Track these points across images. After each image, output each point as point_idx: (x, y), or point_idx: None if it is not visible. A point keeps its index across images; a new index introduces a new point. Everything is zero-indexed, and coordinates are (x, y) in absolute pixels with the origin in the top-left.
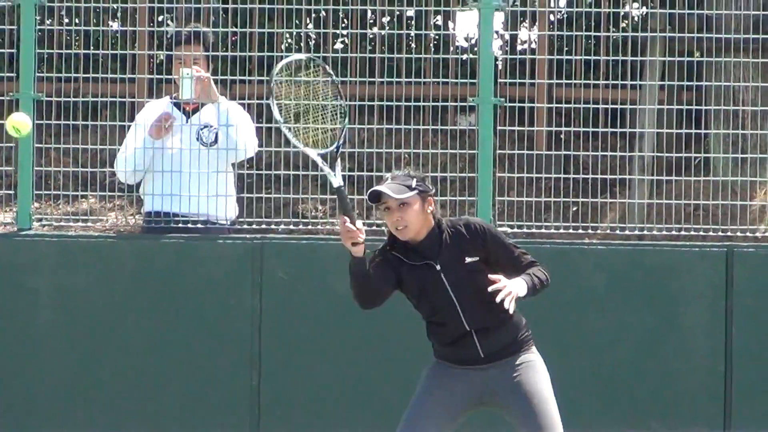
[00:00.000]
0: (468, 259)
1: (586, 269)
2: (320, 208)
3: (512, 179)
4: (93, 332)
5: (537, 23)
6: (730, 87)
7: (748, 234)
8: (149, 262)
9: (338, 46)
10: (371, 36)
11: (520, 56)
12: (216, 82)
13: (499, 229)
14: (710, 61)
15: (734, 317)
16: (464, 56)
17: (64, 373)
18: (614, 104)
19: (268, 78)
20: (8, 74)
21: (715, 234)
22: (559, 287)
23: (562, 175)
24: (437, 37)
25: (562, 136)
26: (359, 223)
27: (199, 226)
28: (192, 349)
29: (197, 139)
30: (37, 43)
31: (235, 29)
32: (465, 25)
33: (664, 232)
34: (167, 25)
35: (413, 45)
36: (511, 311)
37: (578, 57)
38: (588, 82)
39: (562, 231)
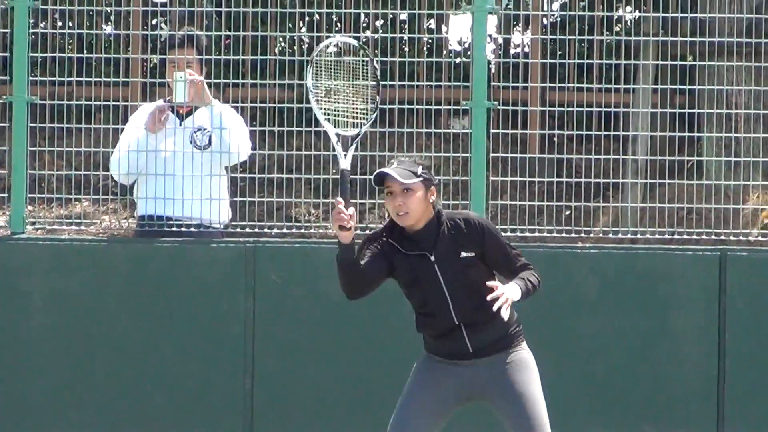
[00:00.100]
0: (463, 254)
1: (579, 273)
2: (313, 211)
3: (505, 182)
4: (86, 335)
5: (530, 27)
6: (723, 90)
7: (741, 238)
8: (143, 266)
9: (332, 50)
10: (364, 39)
11: (513, 60)
12: (209, 85)
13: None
14: (703, 64)
15: (727, 321)
16: (457, 60)
17: (58, 377)
18: (607, 108)
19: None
20: (1, 77)
21: (708, 238)
22: (552, 291)
23: (555, 179)
24: (430, 40)
25: (555, 139)
26: (352, 209)
27: (192, 229)
28: (185, 353)
29: (191, 142)
30: (31, 46)
31: (228, 33)
32: (458, 29)
33: (657, 236)
34: (161, 28)
35: (406, 48)
36: (506, 318)
37: (571, 60)
38: (581, 85)
39: (555, 234)
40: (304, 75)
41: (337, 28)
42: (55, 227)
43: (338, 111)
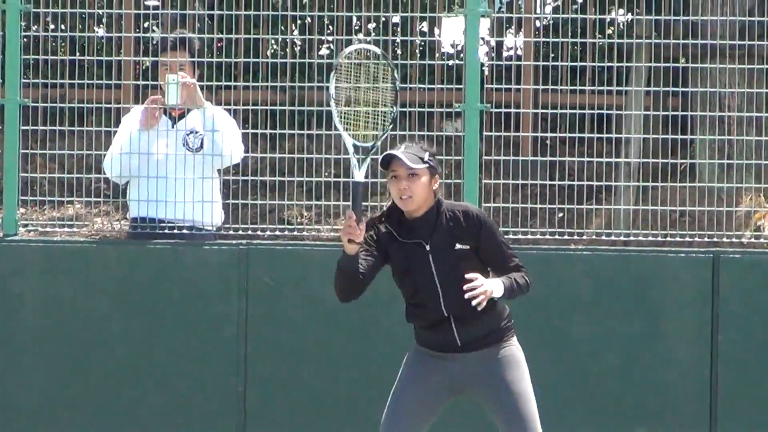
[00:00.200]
0: (458, 246)
1: (572, 275)
2: (306, 214)
3: (498, 185)
4: (79, 338)
5: (523, 29)
6: (715, 93)
7: (734, 240)
8: (135, 268)
9: (324, 52)
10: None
11: (506, 62)
12: (202, 87)
13: None
14: (696, 67)
15: (720, 323)
16: (450, 62)
17: (50, 379)
18: (600, 110)
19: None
20: None
21: (701, 240)
22: (545, 293)
23: (547, 182)
24: (423, 43)
25: (548, 142)
26: (363, 224)
27: (184, 231)
28: (178, 355)
29: (183, 144)
30: (23, 49)
31: (220, 35)
32: (451, 32)
33: (650, 238)
34: (153, 31)
35: (399, 51)
36: (479, 309)
37: (564, 63)
38: (574, 88)
39: (548, 237)
40: (307, 77)
41: (329, 31)
42: (48, 229)
43: (357, 116)
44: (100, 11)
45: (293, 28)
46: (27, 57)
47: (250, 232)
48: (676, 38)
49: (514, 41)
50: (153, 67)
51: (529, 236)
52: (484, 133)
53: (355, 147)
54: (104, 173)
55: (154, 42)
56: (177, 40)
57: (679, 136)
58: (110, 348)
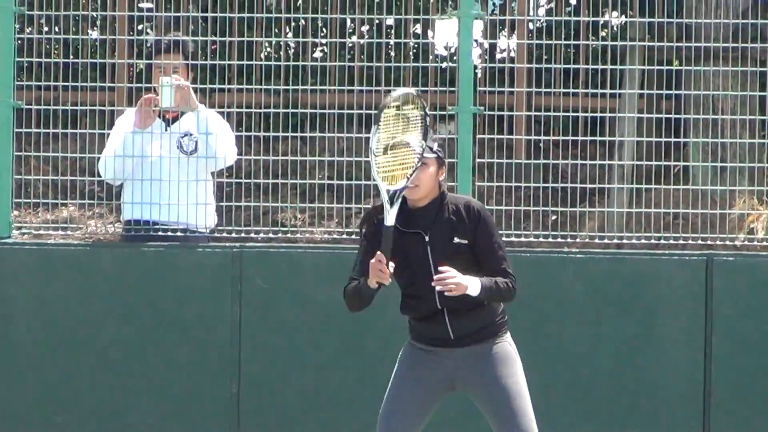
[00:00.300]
0: (456, 239)
1: (565, 278)
2: (299, 216)
3: (491, 188)
4: (72, 340)
5: (516, 32)
6: (709, 96)
7: (727, 243)
8: (129, 270)
9: (317, 54)
10: (350, 45)
11: (499, 65)
12: (195, 90)
13: None
14: (689, 69)
15: (713, 326)
16: (444, 65)
17: (43, 382)
18: (594, 113)
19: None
20: None
21: (694, 243)
22: (539, 296)
23: (541, 184)
24: (417, 45)
25: (542, 144)
26: (392, 266)
27: (178, 234)
28: (171, 357)
29: (177, 147)
30: (17, 51)
31: (214, 38)
32: (444, 34)
33: (644, 241)
34: (147, 33)
35: (393, 54)
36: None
37: (558, 66)
38: (567, 90)
39: (541, 240)
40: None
41: (322, 34)
42: (42, 232)
43: (394, 164)
44: (94, 14)
45: (287, 30)
46: (20, 59)
47: (243, 235)
48: (670, 41)
49: (507, 44)
50: (147, 69)
51: (523, 239)
52: (478, 136)
53: (388, 191)
54: (98, 175)
55: (148, 45)
56: (171, 43)
57: (673, 139)
58: (104, 350)
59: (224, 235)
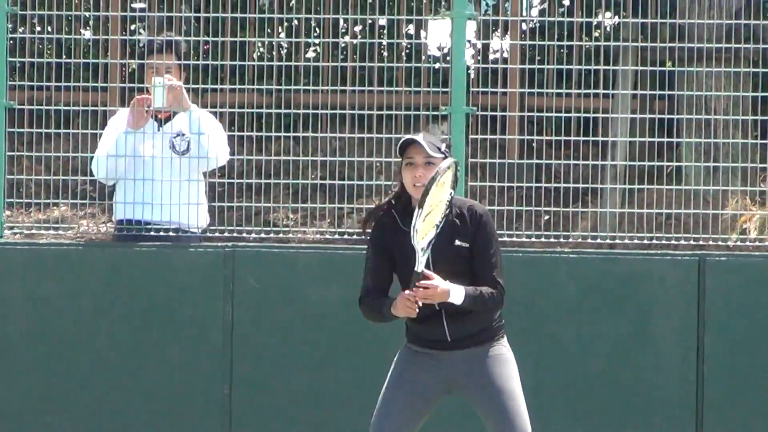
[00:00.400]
0: (457, 242)
1: (558, 278)
2: (292, 216)
3: (484, 188)
4: (64, 340)
5: (509, 32)
6: (702, 96)
7: (719, 243)
8: (121, 270)
9: (310, 54)
10: (343, 45)
11: (492, 65)
12: (188, 90)
13: None
14: (682, 70)
15: (706, 326)
16: (436, 65)
17: (35, 382)
18: (586, 113)
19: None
20: None
21: (687, 243)
22: (531, 296)
23: (534, 184)
24: (409, 46)
25: (534, 144)
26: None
27: (170, 234)
28: (163, 357)
29: (170, 147)
30: (9, 51)
31: (207, 38)
32: (437, 34)
33: (636, 241)
34: (139, 34)
35: (385, 54)
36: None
37: (551, 66)
38: (560, 91)
39: (534, 240)
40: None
41: (315, 34)
42: (33, 232)
43: (430, 223)
44: (87, 14)
45: (280, 30)
46: (13, 59)
47: (236, 234)
48: (663, 41)
49: (500, 44)
50: (139, 69)
51: (515, 239)
52: (471, 136)
53: (423, 249)
54: (91, 175)
55: (141, 45)
56: (164, 43)
57: (666, 139)
58: (96, 350)
59: (216, 234)
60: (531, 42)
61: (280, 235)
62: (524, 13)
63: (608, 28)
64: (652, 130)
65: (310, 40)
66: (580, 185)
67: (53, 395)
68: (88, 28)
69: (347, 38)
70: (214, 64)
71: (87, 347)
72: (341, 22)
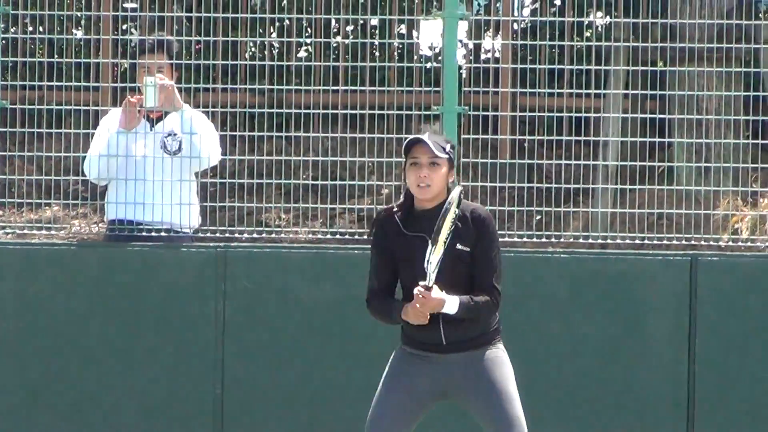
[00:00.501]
0: (459, 246)
1: (549, 278)
2: (284, 216)
3: (476, 188)
4: (56, 340)
5: (501, 32)
6: (693, 96)
7: (711, 243)
8: (113, 270)
9: (302, 54)
10: (335, 45)
11: (484, 65)
12: (180, 90)
13: None
14: (674, 70)
15: (698, 326)
16: (428, 65)
17: (27, 381)
18: (578, 113)
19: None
20: None
21: (678, 243)
22: (523, 296)
23: (525, 184)
24: (401, 46)
25: (526, 144)
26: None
27: (162, 234)
28: (155, 357)
29: (162, 147)
30: (1, 50)
31: (199, 38)
32: (429, 34)
33: (628, 241)
34: (131, 33)
35: (377, 54)
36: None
37: (542, 66)
38: (552, 90)
39: (525, 240)
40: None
41: (307, 34)
42: (25, 232)
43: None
44: (79, 13)
45: (271, 30)
46: (5, 59)
47: (227, 235)
48: (654, 41)
49: (492, 44)
50: (131, 69)
51: (507, 239)
52: (462, 136)
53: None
54: (83, 175)
55: (133, 44)
56: (155, 43)
57: (657, 139)
58: (88, 350)
59: (208, 235)
60: (523, 42)
61: (272, 235)
62: (516, 13)
63: (600, 28)
64: (643, 130)
65: (301, 40)
66: (572, 185)
67: (45, 394)
68: (79, 27)
69: (339, 38)
70: (205, 63)
71: (79, 347)
72: (333, 22)
